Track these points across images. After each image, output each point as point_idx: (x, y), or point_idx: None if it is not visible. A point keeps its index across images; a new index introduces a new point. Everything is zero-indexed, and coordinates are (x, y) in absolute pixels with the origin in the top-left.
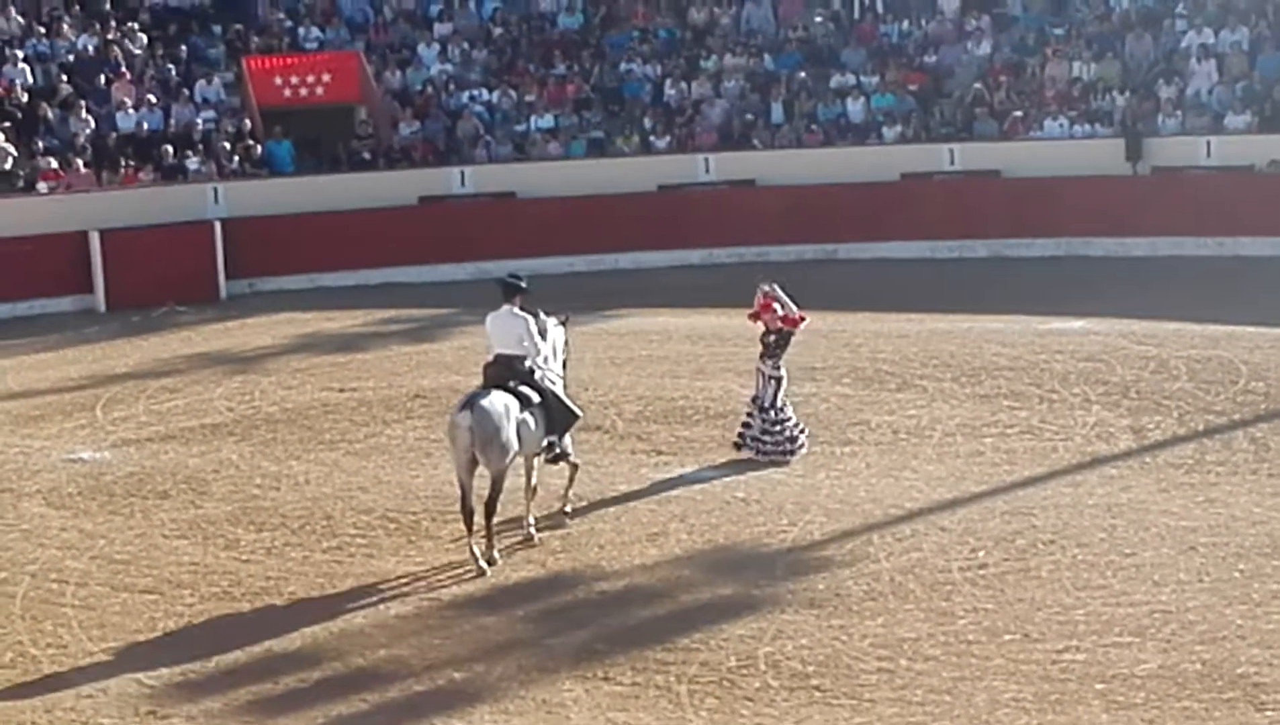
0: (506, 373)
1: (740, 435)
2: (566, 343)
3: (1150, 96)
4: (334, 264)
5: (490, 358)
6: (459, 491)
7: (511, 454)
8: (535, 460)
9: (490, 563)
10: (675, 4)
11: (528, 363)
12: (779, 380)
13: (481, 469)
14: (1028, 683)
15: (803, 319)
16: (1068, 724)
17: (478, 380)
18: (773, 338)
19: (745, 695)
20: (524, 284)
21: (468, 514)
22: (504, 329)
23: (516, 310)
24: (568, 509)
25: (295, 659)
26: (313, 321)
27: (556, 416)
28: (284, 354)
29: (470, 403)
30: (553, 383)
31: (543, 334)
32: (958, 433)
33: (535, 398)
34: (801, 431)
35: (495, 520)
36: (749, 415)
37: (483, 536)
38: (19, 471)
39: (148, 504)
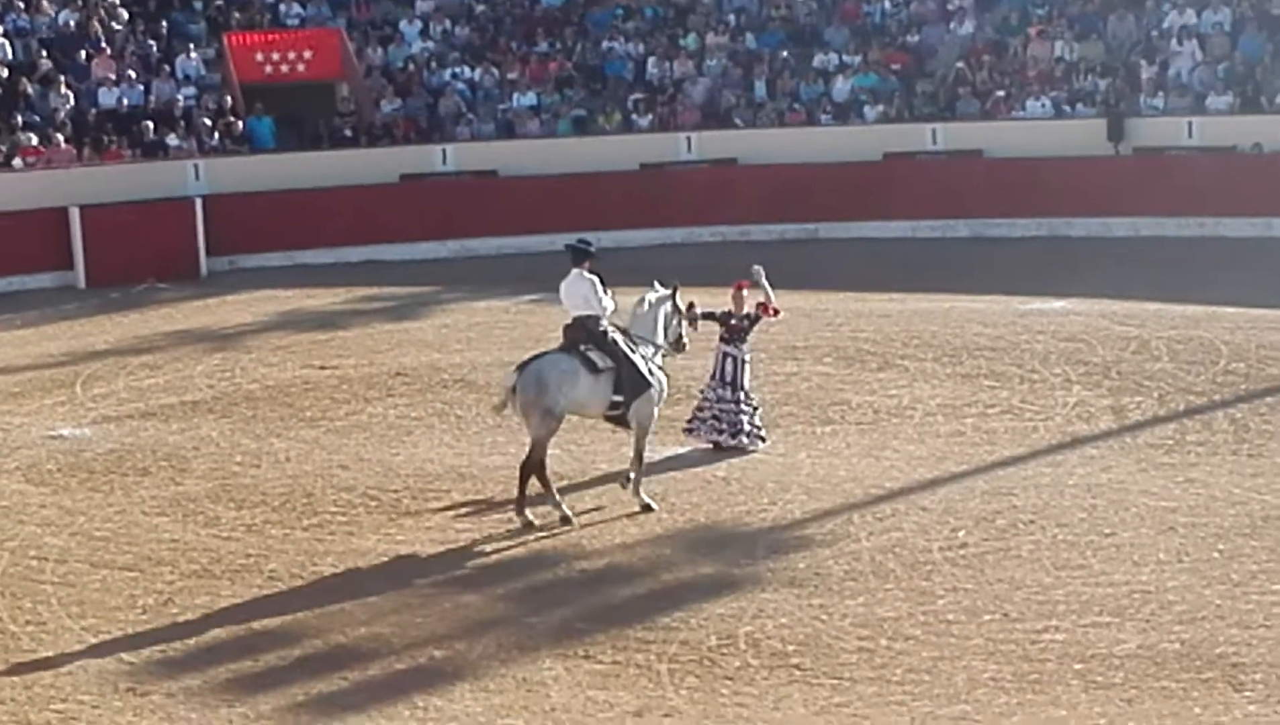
0: (582, 334)
1: (698, 419)
2: (677, 309)
3: (1132, 77)
4: (315, 241)
5: (569, 320)
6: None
7: (554, 421)
8: (634, 425)
9: (528, 524)
10: None
11: (602, 324)
12: (746, 362)
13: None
14: (1007, 662)
15: (777, 311)
16: (1047, 703)
17: (458, 358)
18: (745, 323)
19: (725, 674)
20: (592, 248)
21: (532, 471)
22: (574, 291)
23: (585, 272)
24: (645, 500)
25: (275, 637)
26: (294, 299)
27: (627, 381)
28: (265, 331)
29: (523, 365)
30: (633, 348)
31: (643, 304)
32: (938, 412)
33: (605, 362)
34: (760, 423)
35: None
36: (711, 399)
37: (539, 495)
38: None
39: (128, 481)
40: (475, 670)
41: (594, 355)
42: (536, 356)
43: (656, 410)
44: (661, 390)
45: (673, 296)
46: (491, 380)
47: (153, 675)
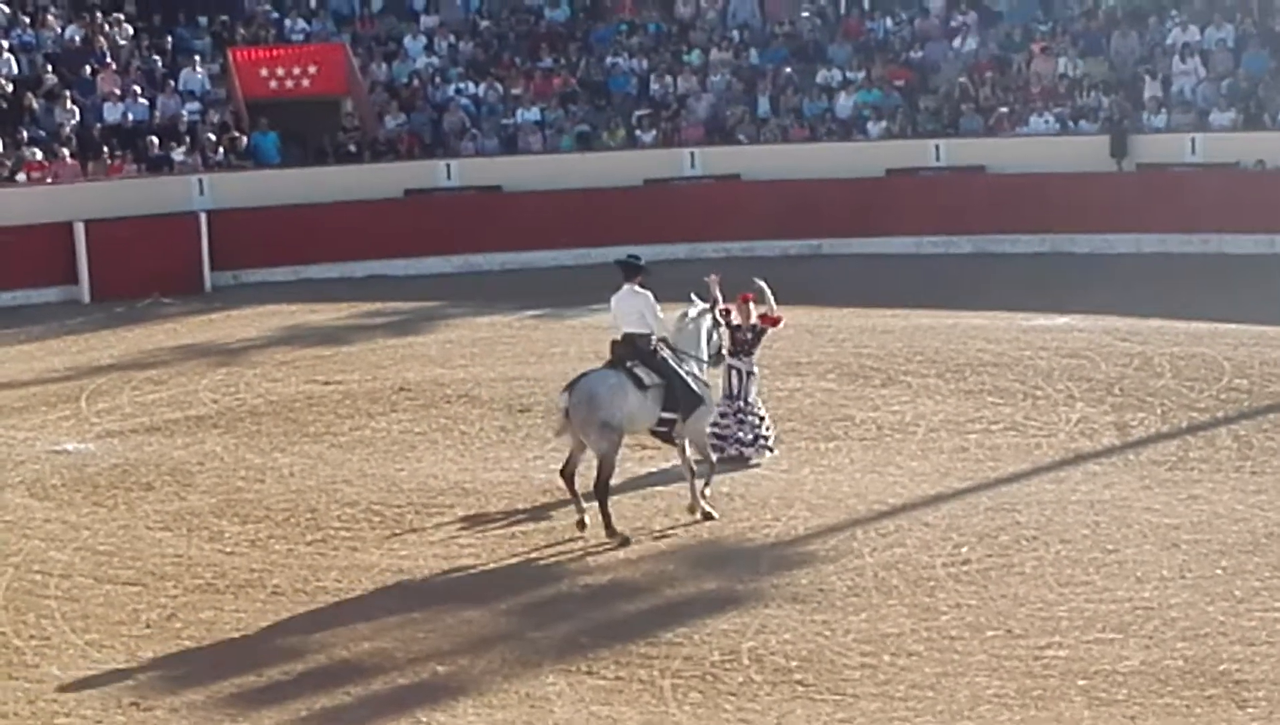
0: (630, 351)
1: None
2: (717, 324)
3: (1135, 93)
4: (319, 256)
5: (618, 336)
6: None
7: (614, 434)
8: (682, 442)
9: (625, 542)
10: None
11: (652, 342)
12: (753, 375)
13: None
14: (1010, 678)
15: (780, 320)
16: (1050, 720)
17: (461, 373)
18: (749, 335)
19: (728, 690)
20: (643, 262)
21: (567, 478)
22: (627, 307)
23: (637, 288)
24: (705, 508)
25: (278, 651)
26: (298, 314)
27: (681, 397)
28: (269, 346)
29: (572, 384)
30: (679, 363)
31: (685, 318)
32: (942, 429)
33: (651, 378)
34: (769, 434)
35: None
36: (719, 413)
37: (600, 515)
38: (2, 462)
39: (132, 496)
40: (478, 685)
41: (640, 372)
42: (583, 374)
43: (708, 425)
44: (712, 405)
45: (712, 310)
46: (495, 396)
47: (156, 690)
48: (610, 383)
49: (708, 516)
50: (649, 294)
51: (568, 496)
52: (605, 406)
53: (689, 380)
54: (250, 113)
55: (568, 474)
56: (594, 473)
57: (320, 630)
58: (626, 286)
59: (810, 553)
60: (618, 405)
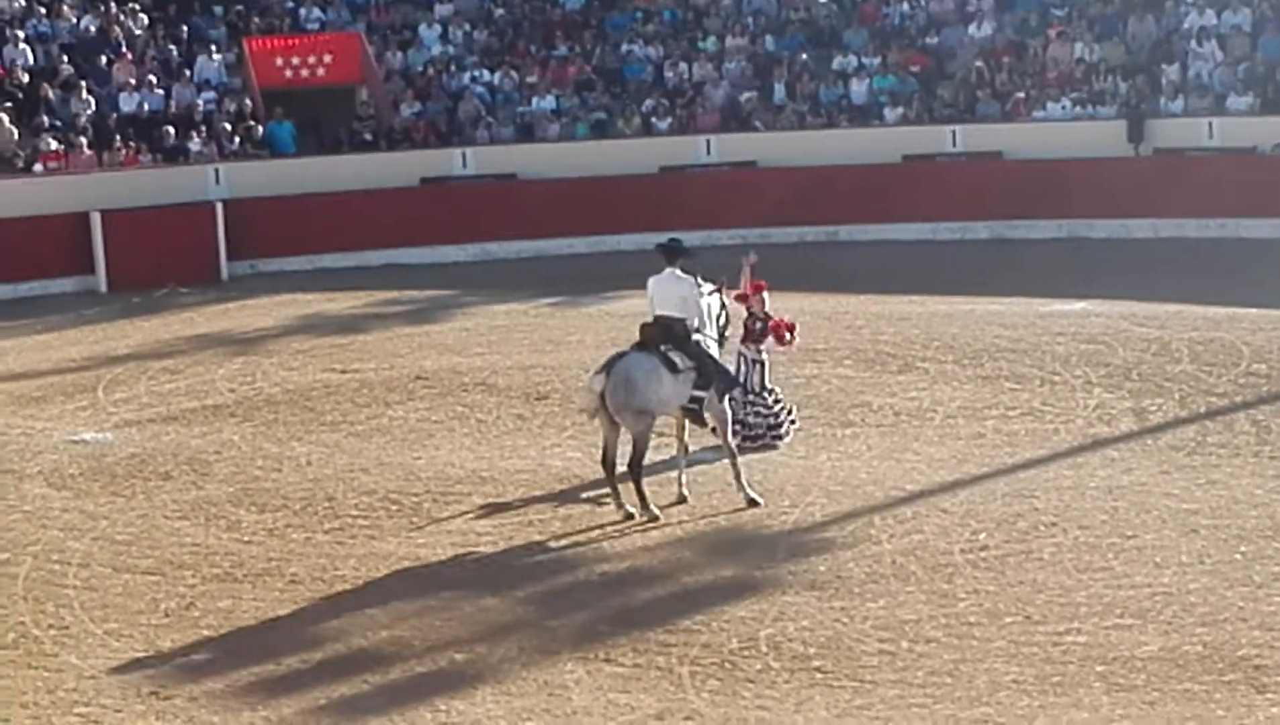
0: (664, 334)
1: None
2: (724, 306)
3: (1152, 78)
4: (335, 245)
5: (650, 318)
6: (601, 446)
7: (650, 417)
8: (715, 421)
9: (653, 518)
10: None
11: (689, 325)
12: (762, 364)
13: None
14: (1029, 664)
15: (793, 327)
16: (1068, 706)
17: (478, 361)
18: (759, 325)
19: (747, 677)
20: (685, 245)
21: (608, 468)
22: (667, 291)
23: (680, 272)
24: (751, 495)
25: (297, 640)
26: (314, 303)
27: (718, 379)
28: (285, 335)
29: (607, 367)
30: (708, 346)
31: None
32: (959, 415)
33: (685, 362)
34: (790, 417)
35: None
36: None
37: (634, 493)
38: (21, 452)
39: (150, 485)
40: (496, 673)
41: (675, 356)
42: (618, 356)
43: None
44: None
45: (719, 291)
46: (512, 384)
47: (175, 679)
48: (646, 367)
49: (752, 503)
50: (692, 279)
51: (587, 483)
52: (642, 391)
53: (720, 362)
54: (266, 102)
55: (609, 463)
56: (628, 452)
57: (338, 619)
58: (669, 270)
59: (828, 539)
60: (654, 389)
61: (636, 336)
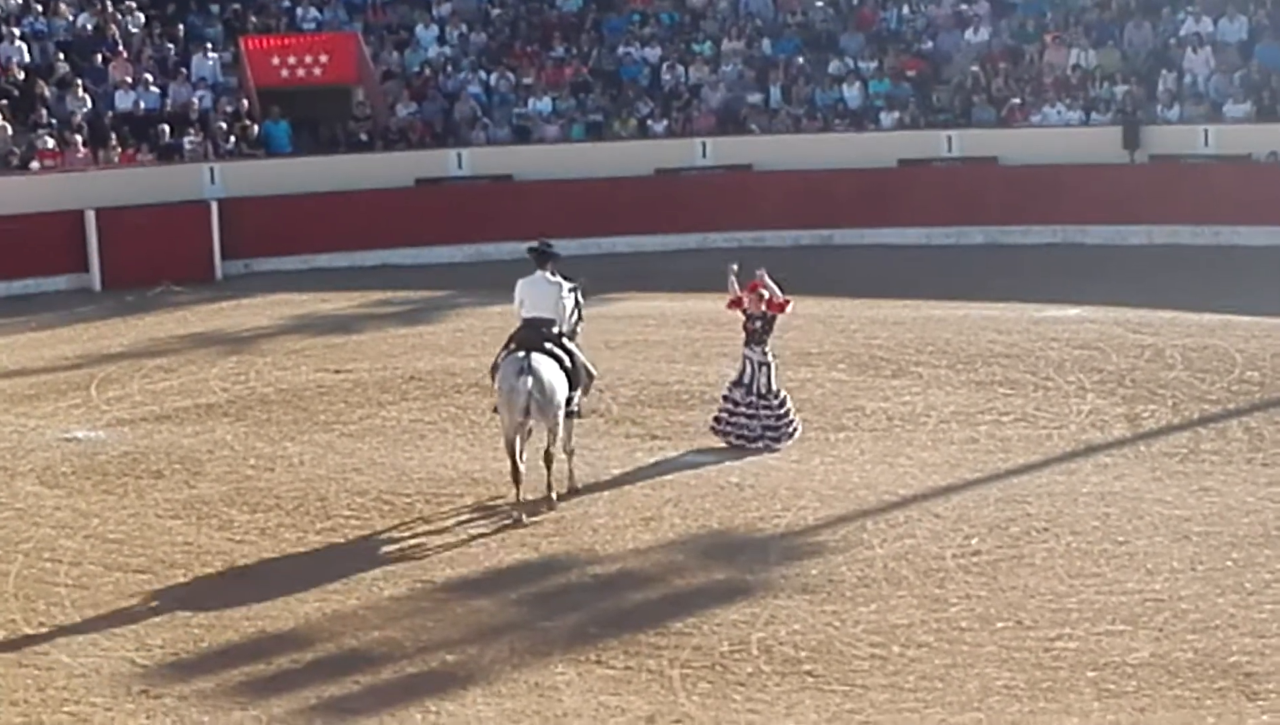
0: (536, 336)
1: (718, 419)
2: (578, 304)
3: (1148, 85)
4: (330, 245)
5: (520, 322)
6: (508, 451)
7: (562, 409)
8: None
9: (551, 507)
10: None
11: (556, 327)
12: (768, 366)
13: (531, 428)
14: (1020, 670)
15: (788, 302)
16: (1059, 711)
17: (472, 362)
18: (759, 323)
19: (737, 680)
20: (554, 249)
21: (515, 472)
22: (539, 293)
23: (550, 276)
24: (560, 493)
25: (288, 640)
26: (308, 303)
27: (581, 375)
28: (279, 335)
29: (527, 368)
30: (573, 347)
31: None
32: (952, 420)
33: (565, 359)
34: (793, 424)
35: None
36: (730, 402)
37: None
38: (13, 450)
39: (142, 484)
40: (487, 675)
41: (559, 352)
42: (527, 360)
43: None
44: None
45: (575, 291)
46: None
47: (166, 677)
48: (551, 367)
49: (557, 500)
50: (563, 281)
51: (578, 487)
52: (559, 390)
53: (583, 358)
54: (262, 101)
55: (518, 452)
56: (548, 443)
57: (329, 619)
58: (539, 272)
59: (820, 543)
60: (560, 386)
61: (507, 339)
